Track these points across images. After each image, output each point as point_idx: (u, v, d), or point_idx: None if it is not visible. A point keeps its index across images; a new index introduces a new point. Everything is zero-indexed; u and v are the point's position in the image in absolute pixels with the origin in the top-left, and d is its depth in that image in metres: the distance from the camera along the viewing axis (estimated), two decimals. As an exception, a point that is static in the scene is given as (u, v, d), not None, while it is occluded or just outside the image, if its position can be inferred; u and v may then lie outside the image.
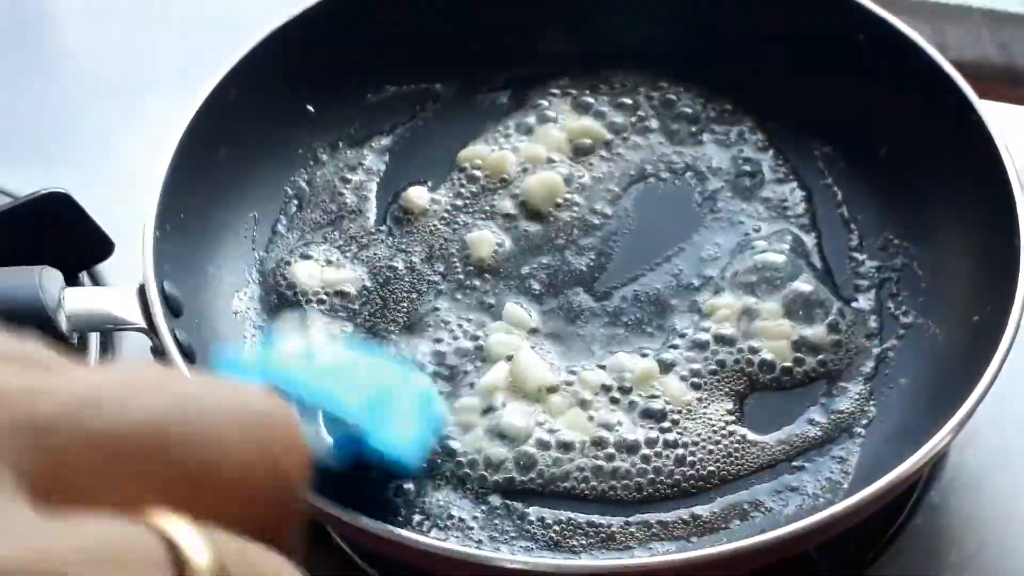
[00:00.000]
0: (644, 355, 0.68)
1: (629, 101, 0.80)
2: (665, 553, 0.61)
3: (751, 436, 0.65)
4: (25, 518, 0.23)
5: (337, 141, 0.79)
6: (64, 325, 0.62)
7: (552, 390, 0.66)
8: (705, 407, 0.66)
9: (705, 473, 0.64)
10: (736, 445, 0.65)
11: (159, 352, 0.63)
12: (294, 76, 0.77)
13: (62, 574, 0.22)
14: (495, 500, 0.63)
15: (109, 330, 0.73)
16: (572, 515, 0.63)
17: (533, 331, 0.69)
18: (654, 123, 0.79)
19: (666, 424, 0.65)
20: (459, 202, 0.76)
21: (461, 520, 0.62)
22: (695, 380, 0.67)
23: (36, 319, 0.62)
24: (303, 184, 0.77)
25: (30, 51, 0.95)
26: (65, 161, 0.85)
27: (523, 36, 0.81)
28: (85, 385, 0.25)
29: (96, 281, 0.77)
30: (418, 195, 0.76)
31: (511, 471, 0.64)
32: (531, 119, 0.79)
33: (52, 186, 0.72)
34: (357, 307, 0.71)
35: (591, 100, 0.80)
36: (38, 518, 0.23)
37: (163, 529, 0.24)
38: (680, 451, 0.64)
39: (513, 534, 0.62)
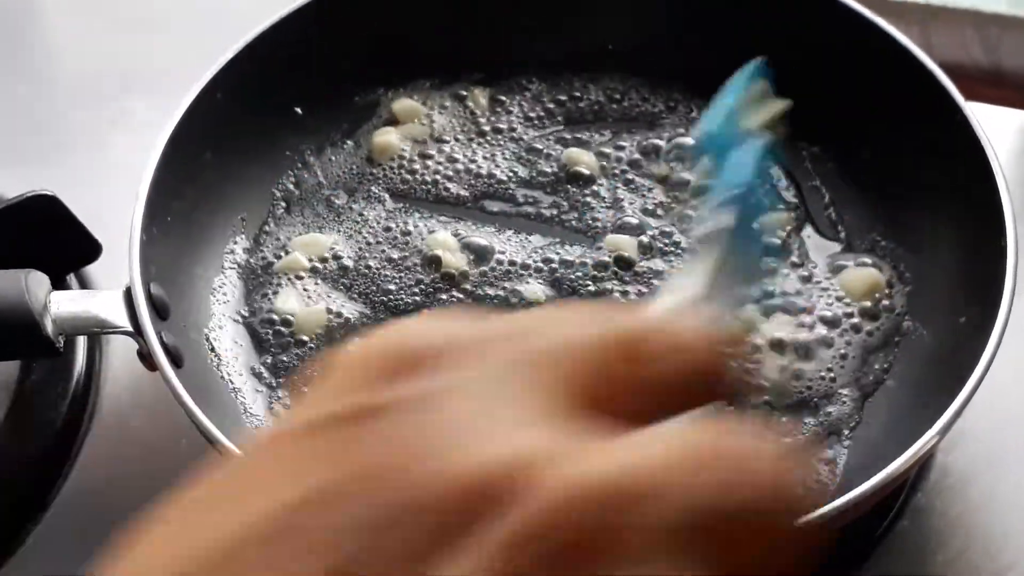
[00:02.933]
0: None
1: (614, 103, 0.80)
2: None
3: (738, 438, 0.65)
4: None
5: (325, 143, 0.79)
6: (50, 328, 0.62)
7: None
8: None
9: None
10: (724, 447, 0.64)
11: (145, 355, 0.63)
12: (281, 78, 0.76)
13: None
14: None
15: (95, 333, 0.73)
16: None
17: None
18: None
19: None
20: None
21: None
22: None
23: (22, 322, 0.61)
24: (291, 186, 0.77)
25: (17, 52, 0.95)
26: (52, 163, 0.85)
27: (506, 39, 0.81)
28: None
29: (84, 284, 0.77)
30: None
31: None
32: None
33: (39, 188, 0.72)
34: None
35: (579, 102, 0.80)
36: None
37: None
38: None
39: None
